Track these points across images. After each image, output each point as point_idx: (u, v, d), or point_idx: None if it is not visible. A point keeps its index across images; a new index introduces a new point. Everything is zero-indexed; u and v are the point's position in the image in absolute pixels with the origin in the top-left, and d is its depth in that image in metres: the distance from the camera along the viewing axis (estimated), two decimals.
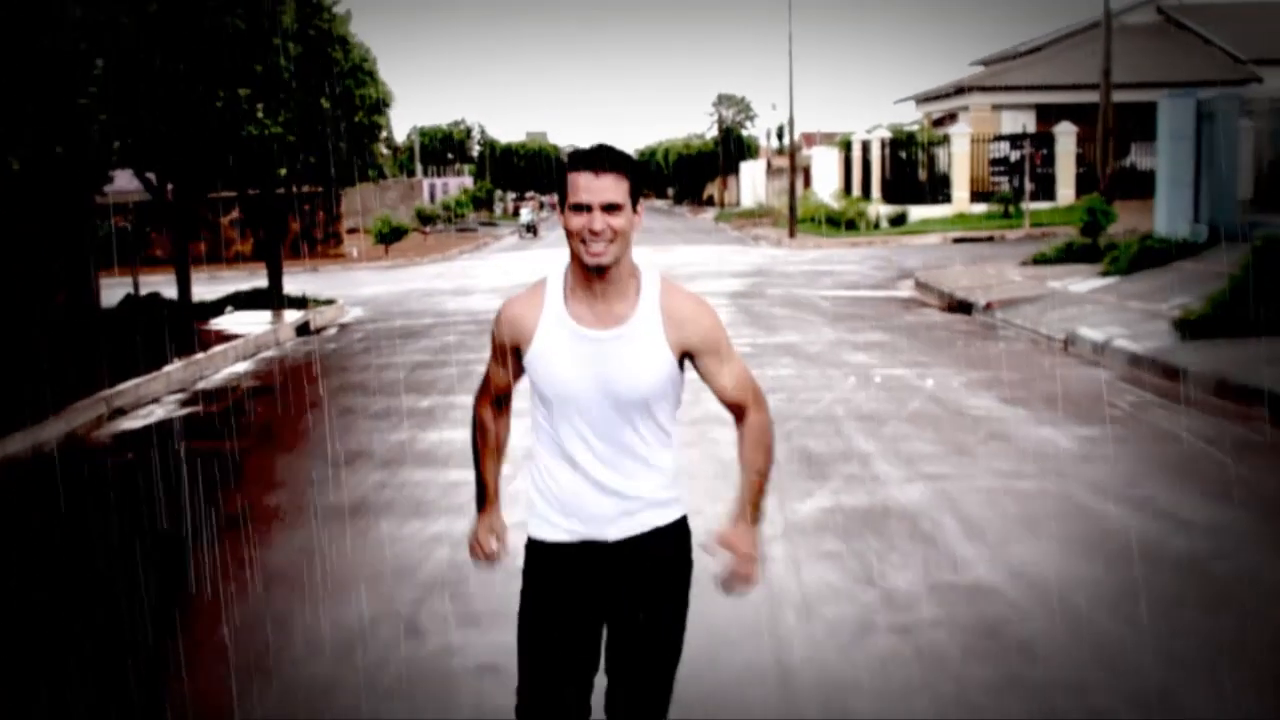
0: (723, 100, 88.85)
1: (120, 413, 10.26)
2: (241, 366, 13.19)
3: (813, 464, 7.35)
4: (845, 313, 15.61)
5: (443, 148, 69.94)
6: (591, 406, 2.85)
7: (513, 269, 26.84)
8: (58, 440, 9.05)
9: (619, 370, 2.82)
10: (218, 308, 17.18)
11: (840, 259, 25.81)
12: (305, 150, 12.23)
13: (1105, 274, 16.46)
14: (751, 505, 2.93)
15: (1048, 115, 35.91)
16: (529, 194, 72.36)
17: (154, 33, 9.13)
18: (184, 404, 10.90)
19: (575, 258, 2.84)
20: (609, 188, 2.78)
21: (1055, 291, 15.88)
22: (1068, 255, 19.45)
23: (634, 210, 2.83)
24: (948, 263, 21.79)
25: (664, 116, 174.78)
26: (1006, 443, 7.93)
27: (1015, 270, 19.14)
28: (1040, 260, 19.77)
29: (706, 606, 3.22)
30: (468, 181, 64.55)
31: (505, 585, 3.38)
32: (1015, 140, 33.24)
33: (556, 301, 2.87)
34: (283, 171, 12.08)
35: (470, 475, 3.16)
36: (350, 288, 22.54)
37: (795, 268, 23.86)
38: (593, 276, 2.81)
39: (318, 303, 18.18)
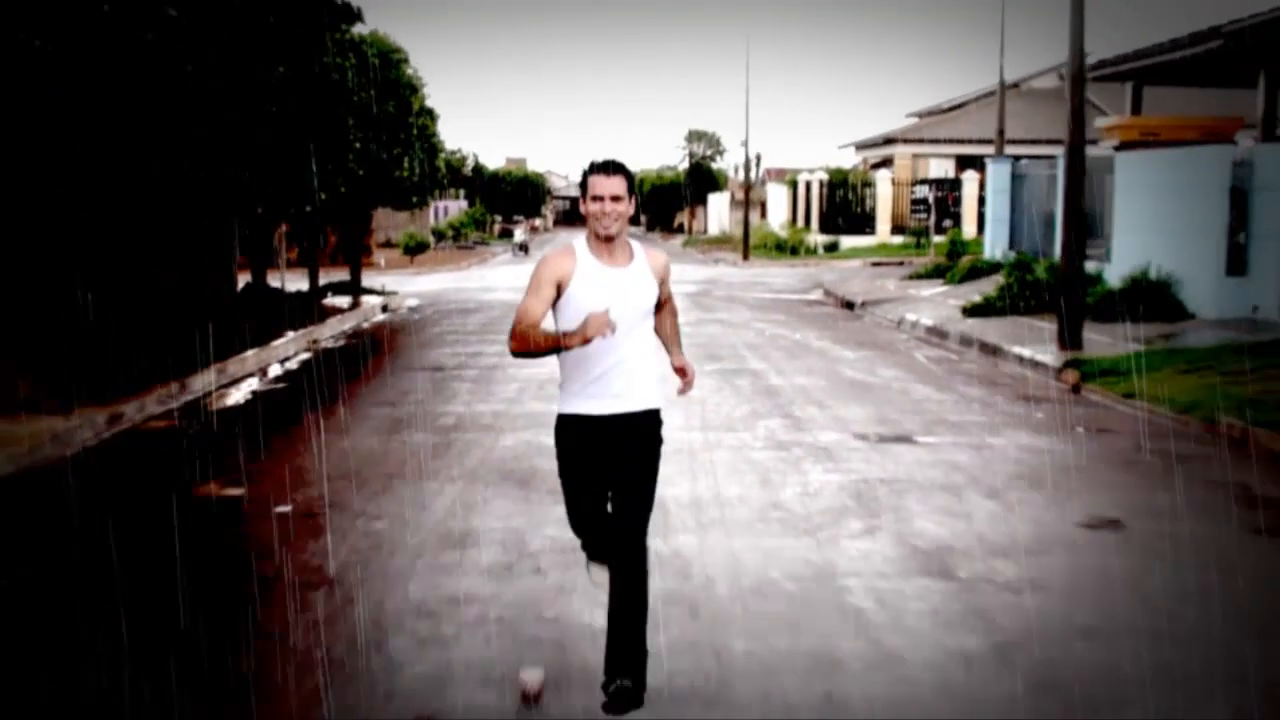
0: (694, 136, 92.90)
1: (315, 341, 17.14)
2: (363, 324, 20.14)
3: (714, 357, 14.42)
4: (763, 305, 22.73)
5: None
6: (616, 319, 4.20)
7: (518, 276, 33.51)
8: (297, 349, 15.96)
9: (635, 290, 4.40)
10: (322, 293, 24.04)
11: (776, 275, 32.97)
12: (419, 185, 19.29)
13: (945, 284, 23.65)
14: (679, 347, 4.89)
15: (968, 163, 42.95)
16: (516, 217, 79.05)
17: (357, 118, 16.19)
18: (349, 338, 17.88)
19: (592, 231, 4.34)
20: (616, 185, 4.30)
21: (910, 295, 22.98)
22: (933, 274, 26.45)
23: (629, 199, 4.32)
24: (854, 278, 28.97)
25: (639, 149, 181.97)
26: (821, 357, 15.00)
27: (894, 283, 26.16)
28: (914, 277, 26.87)
29: None
30: (463, 204, 71.34)
31: None
32: (930, 184, 40.46)
33: (586, 255, 4.39)
34: (415, 199, 19.06)
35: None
36: (396, 286, 28.77)
37: (739, 280, 31.03)
38: (605, 243, 4.36)
39: (386, 293, 25.06)
